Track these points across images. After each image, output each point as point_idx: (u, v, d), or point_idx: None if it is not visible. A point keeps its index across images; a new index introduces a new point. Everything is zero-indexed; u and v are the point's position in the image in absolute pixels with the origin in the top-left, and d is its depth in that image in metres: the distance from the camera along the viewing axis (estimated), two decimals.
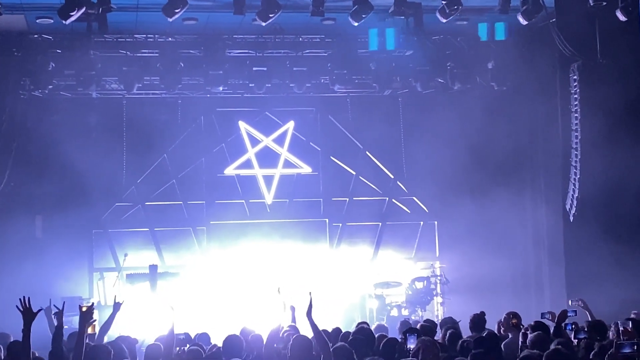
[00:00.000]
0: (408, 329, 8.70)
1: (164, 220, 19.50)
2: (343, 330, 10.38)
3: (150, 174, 19.58)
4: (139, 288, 17.75)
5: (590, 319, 10.59)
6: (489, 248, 18.73)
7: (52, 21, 16.36)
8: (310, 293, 7.90)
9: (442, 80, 18.95)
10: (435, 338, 9.34)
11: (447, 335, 9.64)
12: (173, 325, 7.72)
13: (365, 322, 11.46)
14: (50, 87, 18.00)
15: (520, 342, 8.88)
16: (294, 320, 11.86)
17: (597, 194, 16.46)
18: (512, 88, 18.92)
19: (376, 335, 9.35)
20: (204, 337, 11.80)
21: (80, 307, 7.39)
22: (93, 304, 7.81)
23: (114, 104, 19.20)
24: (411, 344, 7.86)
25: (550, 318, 10.40)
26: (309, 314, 7.77)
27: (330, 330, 10.14)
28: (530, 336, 7.16)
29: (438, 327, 11.18)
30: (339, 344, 8.10)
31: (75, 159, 18.08)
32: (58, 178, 18.35)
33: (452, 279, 19.00)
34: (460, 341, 8.91)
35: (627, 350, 5.92)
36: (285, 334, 9.74)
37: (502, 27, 17.43)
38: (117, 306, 9.63)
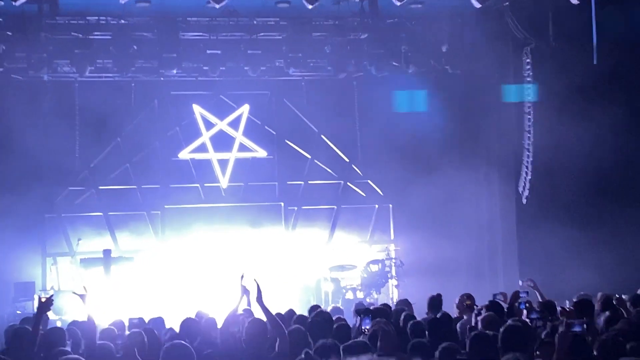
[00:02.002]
0: (363, 310, 8.75)
1: (118, 205, 19.33)
2: (297, 313, 10.43)
3: (103, 157, 19.39)
4: (93, 273, 17.60)
5: (540, 299, 10.77)
6: (443, 231, 18.88)
7: (2, 3, 16.05)
8: (255, 280, 7.91)
9: (396, 64, 18.98)
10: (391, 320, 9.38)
11: (402, 317, 9.71)
12: (89, 311, 7.68)
13: (318, 306, 11.51)
14: (1, 69, 17.69)
15: (473, 323, 8.99)
16: (249, 304, 11.90)
17: (549, 177, 16.68)
18: (466, 71, 19.02)
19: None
20: (158, 321, 11.75)
21: (40, 298, 7.46)
22: (52, 295, 7.79)
23: (66, 87, 18.93)
24: (366, 326, 7.91)
25: (502, 299, 10.55)
26: (259, 299, 7.79)
27: (283, 313, 10.18)
28: (482, 316, 7.24)
29: (393, 309, 11.28)
30: (294, 326, 8.13)
31: (27, 143, 17.83)
32: (9, 162, 18.01)
33: (407, 261, 19.09)
34: (411, 322, 8.98)
35: (577, 329, 6.02)
36: (240, 318, 9.78)
37: None
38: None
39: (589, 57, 15.34)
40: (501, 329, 5.95)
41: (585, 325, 6.02)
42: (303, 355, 6.27)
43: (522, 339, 5.96)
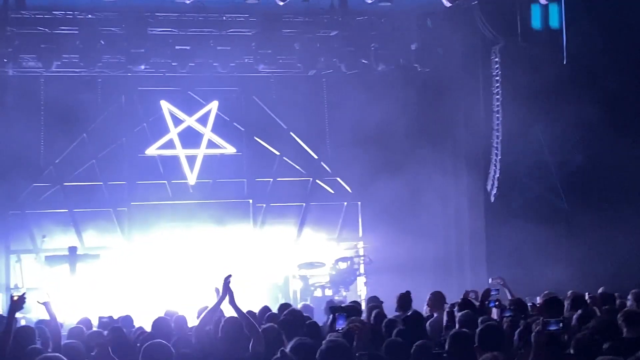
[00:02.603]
0: (337, 308, 8.70)
1: (84, 201, 19.10)
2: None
3: (69, 153, 19.14)
4: (58, 270, 17.40)
5: (510, 297, 10.81)
6: (411, 228, 18.89)
7: None
8: (225, 280, 7.81)
9: (366, 61, 18.98)
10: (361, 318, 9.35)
11: (373, 314, 9.69)
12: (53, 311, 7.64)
13: (288, 304, 11.47)
14: None
15: (445, 321, 8.98)
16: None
17: (517, 175, 16.78)
18: (435, 70, 19.04)
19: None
20: (127, 319, 11.70)
21: (12, 297, 7.37)
22: (24, 293, 7.68)
23: (31, 82, 18.65)
24: (340, 326, 7.83)
25: (474, 297, 10.57)
26: (231, 302, 7.73)
27: (255, 310, 10.11)
28: (459, 315, 7.23)
29: (363, 307, 11.27)
30: (268, 325, 8.08)
31: None
32: None
33: (376, 259, 19.12)
34: (386, 320, 8.96)
35: (553, 327, 6.02)
36: (215, 317, 9.70)
37: None
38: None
39: (558, 57, 15.44)
40: (479, 328, 5.94)
41: (561, 324, 6.03)
42: (279, 354, 6.20)
43: (500, 338, 5.96)
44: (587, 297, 9.17)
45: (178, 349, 6.73)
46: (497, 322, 7.11)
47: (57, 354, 6.01)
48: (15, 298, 7.40)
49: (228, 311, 8.11)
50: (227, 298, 7.82)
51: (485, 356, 4.90)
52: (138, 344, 8.31)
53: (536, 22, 16.17)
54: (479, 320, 7.62)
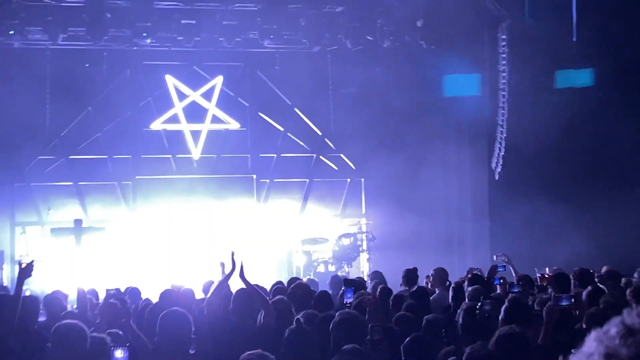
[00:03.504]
0: (346, 281, 8.76)
1: (89, 174, 19.15)
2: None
3: (74, 127, 19.16)
4: (63, 242, 17.48)
5: (514, 274, 10.88)
6: (414, 206, 18.95)
7: None
8: (233, 255, 7.92)
9: (371, 38, 18.96)
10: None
11: (379, 289, 9.76)
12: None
13: (298, 278, 11.56)
14: None
15: (450, 297, 9.05)
16: (223, 274, 11.89)
17: (522, 153, 16.79)
18: (440, 47, 19.03)
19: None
20: (134, 291, 11.73)
21: (20, 264, 7.37)
22: (33, 260, 7.71)
23: (37, 55, 18.63)
24: (349, 299, 7.90)
25: (479, 273, 10.64)
26: (241, 275, 7.82)
27: (262, 284, 10.18)
28: (469, 290, 7.29)
29: (368, 282, 11.34)
30: (278, 297, 8.14)
31: None
32: None
33: (378, 235, 19.18)
34: (394, 294, 9.03)
35: (564, 302, 6.08)
36: (224, 290, 9.78)
37: None
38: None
39: (564, 34, 15.40)
40: (507, 302, 6.00)
41: (572, 300, 6.09)
42: (294, 324, 6.27)
43: (527, 312, 6.03)
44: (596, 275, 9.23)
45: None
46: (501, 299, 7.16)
47: (76, 321, 6.06)
48: (24, 265, 7.42)
49: (235, 285, 8.18)
50: (236, 271, 7.90)
51: (503, 329, 4.96)
52: (145, 316, 8.42)
53: None
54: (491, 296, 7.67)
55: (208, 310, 7.29)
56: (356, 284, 9.39)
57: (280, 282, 10.48)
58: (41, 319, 8.40)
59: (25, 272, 7.37)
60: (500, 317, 5.79)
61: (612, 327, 1.38)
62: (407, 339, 5.83)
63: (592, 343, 1.34)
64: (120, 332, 6.73)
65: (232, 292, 7.95)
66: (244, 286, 7.77)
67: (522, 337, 5.28)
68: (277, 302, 7.62)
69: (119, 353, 5.31)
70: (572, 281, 8.93)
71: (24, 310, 7.45)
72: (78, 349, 5.02)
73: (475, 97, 18.54)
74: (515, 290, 8.06)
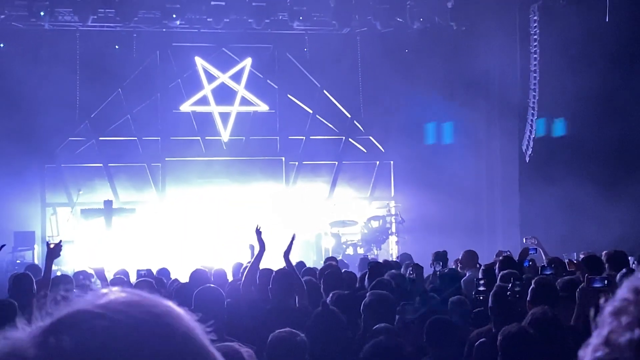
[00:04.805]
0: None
1: (118, 156, 19.24)
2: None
3: (104, 108, 19.24)
4: (93, 223, 17.59)
5: (544, 257, 10.77)
6: (443, 188, 18.87)
7: None
8: (293, 235, 7.99)
9: (401, 20, 18.82)
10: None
11: (408, 271, 9.71)
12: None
13: (333, 258, 11.57)
14: (2, 17, 17.49)
15: (481, 279, 8.98)
16: (253, 256, 11.90)
17: (554, 136, 16.61)
18: (471, 28, 18.85)
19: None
20: (164, 272, 11.81)
21: (48, 244, 7.42)
22: (61, 240, 7.74)
23: (67, 36, 18.70)
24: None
25: (509, 255, 10.54)
26: (287, 254, 7.83)
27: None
28: (502, 273, 7.22)
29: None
30: (307, 277, 8.13)
31: (27, 92, 17.75)
32: (9, 111, 17.90)
33: (407, 218, 19.12)
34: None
35: (597, 284, 6.00)
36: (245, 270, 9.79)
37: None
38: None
39: (597, 15, 15.18)
40: (533, 283, 5.94)
41: (606, 282, 6.00)
42: (320, 306, 6.24)
43: (554, 293, 5.96)
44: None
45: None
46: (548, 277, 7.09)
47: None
48: (52, 245, 7.46)
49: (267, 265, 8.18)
50: (281, 250, 7.92)
51: (535, 310, 4.90)
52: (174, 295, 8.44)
53: None
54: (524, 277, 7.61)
55: (244, 290, 7.28)
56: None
57: (303, 263, 10.49)
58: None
59: (54, 252, 7.41)
60: (527, 299, 5.72)
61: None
62: (428, 320, 5.78)
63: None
64: None
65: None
66: (283, 266, 7.77)
67: (555, 318, 5.23)
68: (306, 282, 7.61)
69: None
70: (605, 264, 8.82)
71: (55, 287, 7.47)
72: None
73: (506, 78, 18.36)
74: (547, 272, 7.97)
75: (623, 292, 1.29)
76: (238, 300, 6.90)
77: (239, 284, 7.87)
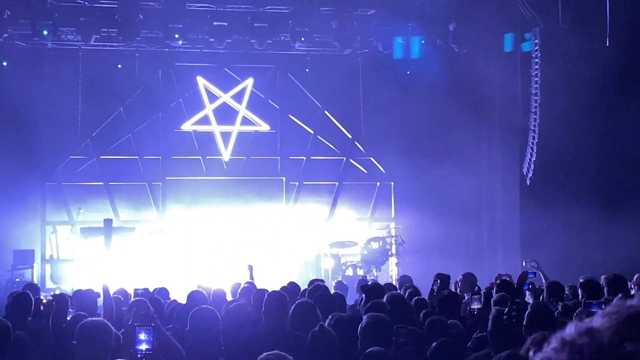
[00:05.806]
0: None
1: (119, 175, 19.27)
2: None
3: (105, 127, 19.28)
4: (93, 242, 17.56)
5: (544, 281, 10.74)
6: (444, 210, 18.85)
7: None
8: (251, 270, 7.91)
9: (402, 41, 18.86)
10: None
11: (407, 294, 9.69)
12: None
13: (321, 280, 11.49)
14: (5, 35, 17.54)
15: (480, 302, 8.95)
16: (251, 277, 11.89)
17: (555, 158, 16.60)
18: (472, 51, 18.88)
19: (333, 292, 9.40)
20: (163, 291, 11.76)
21: (41, 303, 7.28)
22: (53, 297, 7.66)
23: (70, 55, 18.78)
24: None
25: (508, 279, 10.51)
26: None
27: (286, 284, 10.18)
28: (495, 296, 7.19)
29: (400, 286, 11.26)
30: (303, 299, 8.09)
31: (29, 110, 17.78)
32: (11, 129, 17.96)
33: (407, 240, 19.08)
34: (415, 299, 8.95)
35: (594, 309, 5.98)
36: (244, 290, 9.80)
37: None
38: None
39: (599, 39, 15.21)
40: (530, 308, 5.91)
41: (603, 306, 5.97)
42: (317, 329, 6.22)
43: (545, 319, 5.93)
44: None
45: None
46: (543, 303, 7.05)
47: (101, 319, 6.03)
48: (45, 302, 7.32)
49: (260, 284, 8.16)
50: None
51: (536, 335, 4.87)
52: (174, 315, 8.42)
53: (578, 3, 15.92)
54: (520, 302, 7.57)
55: (236, 313, 7.25)
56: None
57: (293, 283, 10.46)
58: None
59: (48, 309, 7.23)
60: (524, 323, 5.71)
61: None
62: (434, 343, 5.75)
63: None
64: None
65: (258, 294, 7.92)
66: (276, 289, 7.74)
67: None
68: (302, 304, 7.57)
69: (142, 335, 5.26)
70: (604, 288, 8.79)
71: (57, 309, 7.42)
72: (103, 345, 5.00)
73: (507, 100, 18.38)
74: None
75: (552, 341, 1.30)
76: (233, 321, 6.87)
77: (236, 305, 7.85)
